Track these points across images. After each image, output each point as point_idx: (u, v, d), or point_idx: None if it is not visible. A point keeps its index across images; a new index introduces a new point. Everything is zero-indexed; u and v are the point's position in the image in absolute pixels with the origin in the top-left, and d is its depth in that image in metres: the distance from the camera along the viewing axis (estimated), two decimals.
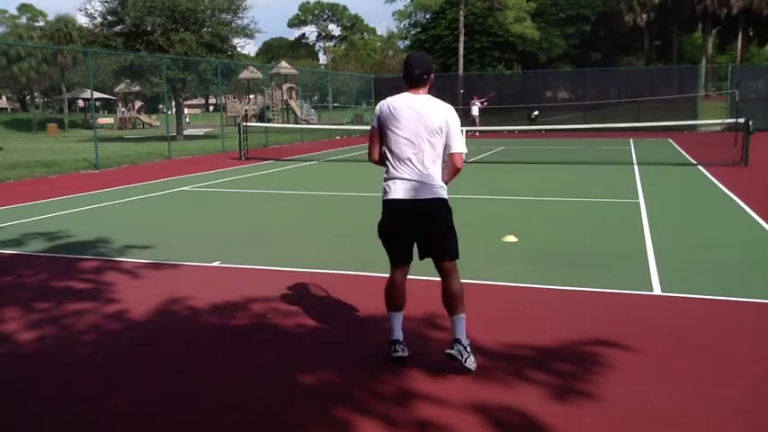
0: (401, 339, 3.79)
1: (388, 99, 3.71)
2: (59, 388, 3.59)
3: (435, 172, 3.60)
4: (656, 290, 5.18)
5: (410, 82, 3.68)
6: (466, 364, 3.53)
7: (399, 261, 3.74)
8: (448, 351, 3.59)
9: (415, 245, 3.70)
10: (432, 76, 3.71)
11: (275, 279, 5.70)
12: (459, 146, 3.62)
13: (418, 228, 3.62)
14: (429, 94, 3.71)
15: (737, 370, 3.64)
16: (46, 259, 6.65)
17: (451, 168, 3.67)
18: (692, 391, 3.38)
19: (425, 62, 3.72)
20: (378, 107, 3.74)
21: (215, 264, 6.26)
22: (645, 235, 7.22)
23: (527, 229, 7.65)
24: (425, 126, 3.55)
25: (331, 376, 3.65)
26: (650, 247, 6.63)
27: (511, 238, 7.03)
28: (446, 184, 3.67)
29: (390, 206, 3.63)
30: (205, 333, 4.42)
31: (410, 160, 3.57)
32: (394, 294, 3.79)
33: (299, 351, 4.06)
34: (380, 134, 3.69)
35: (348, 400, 3.35)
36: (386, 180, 3.66)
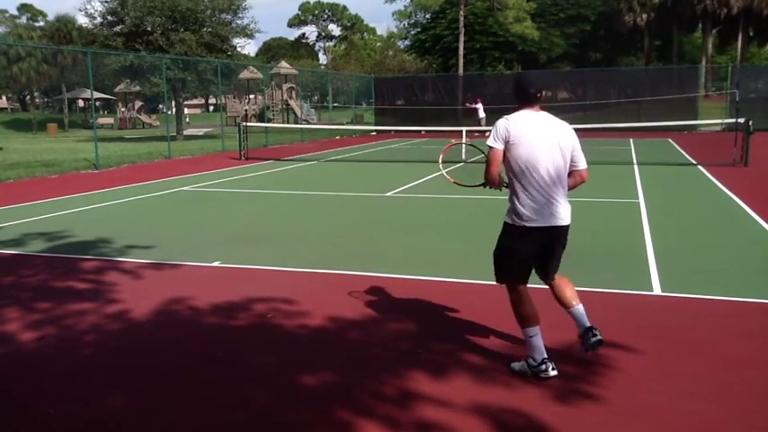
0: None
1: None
2: (59, 388, 3.60)
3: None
4: (656, 290, 5.18)
5: (527, 100, 3.61)
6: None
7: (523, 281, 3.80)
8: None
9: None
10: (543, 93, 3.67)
11: (275, 279, 5.70)
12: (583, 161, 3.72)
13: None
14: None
15: (737, 370, 3.64)
16: (46, 259, 6.65)
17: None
18: (692, 392, 3.38)
19: (536, 80, 3.67)
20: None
21: (215, 264, 6.26)
22: (645, 235, 7.22)
23: None
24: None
25: (332, 377, 3.65)
26: (650, 247, 6.63)
27: None
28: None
29: None
30: (205, 333, 4.42)
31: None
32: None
33: (299, 351, 4.06)
34: (506, 156, 3.60)
35: (349, 400, 3.35)
36: None
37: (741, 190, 10.38)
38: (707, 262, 6.11)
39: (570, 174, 3.66)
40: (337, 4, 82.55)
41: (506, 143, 3.54)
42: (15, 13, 61.52)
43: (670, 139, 22.58)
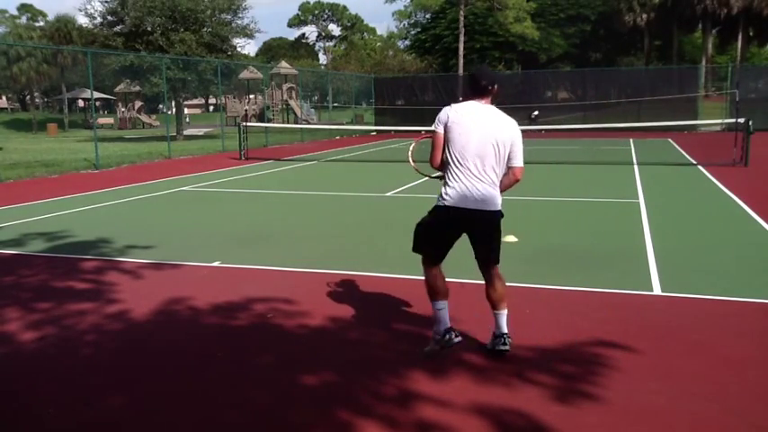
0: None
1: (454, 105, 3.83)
2: (59, 388, 3.60)
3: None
4: (656, 290, 5.18)
5: (477, 92, 3.78)
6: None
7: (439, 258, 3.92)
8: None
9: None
10: (495, 87, 3.80)
11: (275, 279, 5.70)
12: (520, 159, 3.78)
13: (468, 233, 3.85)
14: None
15: (737, 370, 3.64)
16: (46, 259, 6.65)
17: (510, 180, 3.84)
18: (692, 391, 3.38)
19: (490, 74, 3.85)
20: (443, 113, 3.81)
21: (215, 264, 6.26)
22: (645, 235, 7.22)
23: (527, 229, 7.65)
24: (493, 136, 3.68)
25: (332, 377, 3.65)
26: (650, 247, 6.63)
27: (511, 238, 7.02)
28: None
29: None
30: (205, 333, 4.42)
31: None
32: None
33: (299, 351, 4.06)
34: (445, 140, 3.76)
35: (349, 400, 3.35)
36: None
37: (741, 190, 10.38)
38: (707, 262, 6.11)
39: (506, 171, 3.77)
40: (337, 4, 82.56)
41: (445, 128, 3.72)
42: (15, 13, 61.58)
43: (670, 139, 22.58)
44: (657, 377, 3.56)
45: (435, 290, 3.86)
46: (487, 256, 3.85)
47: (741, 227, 7.78)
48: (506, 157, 3.72)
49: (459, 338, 3.81)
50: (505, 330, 3.84)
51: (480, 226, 3.76)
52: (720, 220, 8.36)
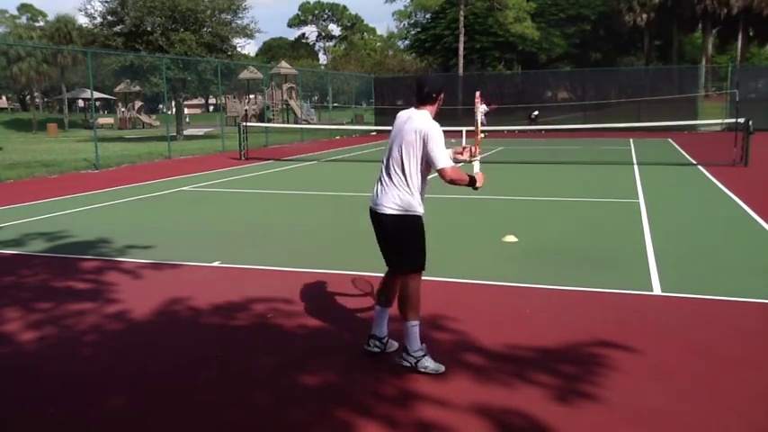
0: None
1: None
2: (59, 388, 3.60)
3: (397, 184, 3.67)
4: (656, 290, 5.18)
5: (418, 99, 3.75)
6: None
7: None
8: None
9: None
10: (440, 95, 3.75)
11: (275, 279, 5.70)
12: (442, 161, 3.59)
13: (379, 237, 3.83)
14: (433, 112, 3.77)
15: (737, 370, 3.64)
16: (46, 259, 6.65)
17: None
18: (692, 391, 3.39)
19: (433, 82, 3.79)
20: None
21: (215, 264, 6.26)
22: (645, 235, 7.22)
23: (527, 229, 7.65)
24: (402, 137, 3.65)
25: (332, 377, 3.65)
26: (650, 247, 6.63)
27: (511, 238, 7.03)
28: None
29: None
30: (205, 333, 4.42)
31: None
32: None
33: (299, 351, 4.06)
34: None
35: (349, 400, 3.35)
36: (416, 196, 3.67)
37: (741, 190, 10.38)
38: (707, 262, 6.11)
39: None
40: (337, 4, 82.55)
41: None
42: (15, 13, 61.56)
43: (670, 139, 22.58)
44: (657, 377, 3.56)
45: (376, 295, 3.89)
46: (391, 260, 3.83)
47: (741, 227, 7.78)
48: (418, 159, 3.60)
49: (377, 350, 3.86)
50: (386, 333, 3.88)
51: (382, 227, 3.79)
52: (720, 220, 8.36)
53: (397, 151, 3.63)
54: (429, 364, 3.63)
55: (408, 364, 3.64)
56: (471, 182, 3.73)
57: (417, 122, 3.61)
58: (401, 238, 3.68)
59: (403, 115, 3.75)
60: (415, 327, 3.67)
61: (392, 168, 3.66)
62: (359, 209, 9.71)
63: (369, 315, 4.67)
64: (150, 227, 8.40)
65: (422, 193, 3.69)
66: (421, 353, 3.65)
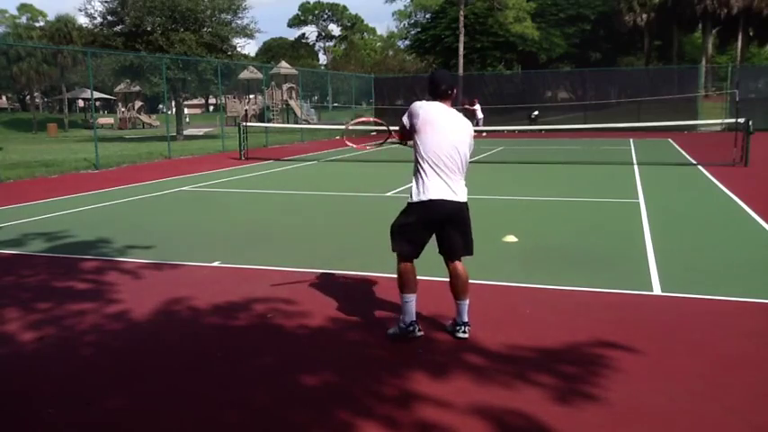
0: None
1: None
2: (59, 388, 3.59)
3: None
4: (656, 290, 5.18)
5: (438, 95, 4.05)
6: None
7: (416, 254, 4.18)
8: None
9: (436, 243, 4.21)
10: (454, 91, 4.09)
11: (275, 279, 5.69)
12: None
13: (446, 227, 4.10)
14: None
15: (737, 370, 3.64)
16: (46, 259, 6.65)
17: None
18: (692, 391, 3.38)
19: (449, 77, 4.19)
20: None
21: (215, 264, 6.26)
22: (645, 235, 7.22)
23: (527, 229, 7.65)
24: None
25: (332, 377, 3.65)
26: (650, 246, 6.63)
27: (511, 238, 7.02)
28: None
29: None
30: (205, 333, 4.42)
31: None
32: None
33: (299, 351, 4.06)
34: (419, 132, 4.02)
35: (349, 401, 3.34)
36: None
37: (741, 190, 10.38)
38: (707, 262, 6.11)
39: None
40: (337, 4, 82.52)
41: (417, 124, 3.97)
42: (15, 13, 61.54)
43: (670, 139, 22.58)
44: (657, 377, 3.56)
45: (407, 284, 4.10)
46: (461, 244, 4.14)
47: (741, 227, 7.78)
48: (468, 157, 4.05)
49: (422, 333, 4.15)
50: (466, 319, 4.16)
51: (452, 218, 4.05)
52: (720, 220, 8.36)
53: (463, 148, 3.98)
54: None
55: (466, 336, 4.11)
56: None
57: (469, 127, 4.09)
58: (469, 224, 4.15)
59: (440, 108, 4.01)
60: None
61: (457, 163, 3.98)
62: (359, 209, 9.76)
63: (368, 314, 4.68)
64: (150, 227, 8.40)
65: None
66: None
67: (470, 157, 4.10)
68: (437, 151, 3.93)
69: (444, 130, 3.95)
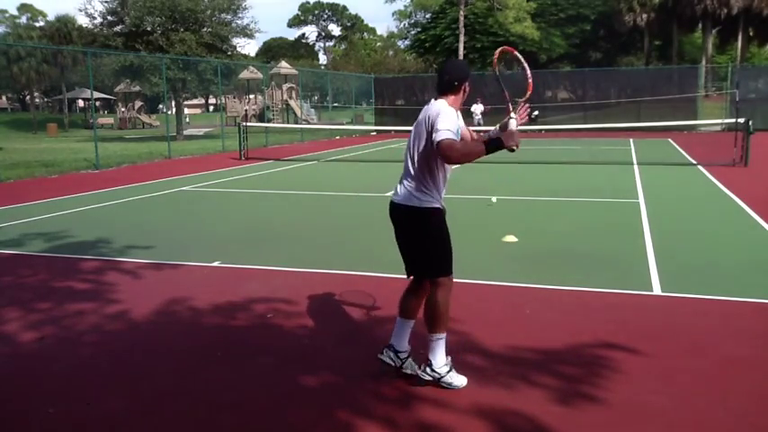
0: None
1: None
2: (59, 388, 3.59)
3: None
4: (656, 290, 5.17)
5: (440, 88, 3.39)
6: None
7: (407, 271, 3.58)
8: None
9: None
10: (464, 84, 3.37)
11: (275, 279, 5.70)
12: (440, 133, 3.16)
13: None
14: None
15: (737, 370, 3.64)
16: (46, 259, 6.65)
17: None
18: (693, 392, 3.38)
19: (456, 69, 3.43)
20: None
21: (215, 264, 6.26)
22: (645, 235, 7.22)
23: (527, 229, 7.65)
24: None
25: (332, 377, 3.65)
26: (650, 246, 6.63)
27: (511, 238, 7.02)
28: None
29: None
30: (205, 333, 4.42)
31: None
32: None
33: (299, 352, 4.05)
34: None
35: (349, 401, 3.34)
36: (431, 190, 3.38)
37: (741, 190, 10.38)
38: (707, 262, 6.11)
39: None
40: (337, 4, 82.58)
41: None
42: (15, 13, 61.52)
43: (670, 139, 22.57)
44: (658, 377, 3.55)
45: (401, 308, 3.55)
46: (411, 258, 3.55)
47: (741, 227, 7.78)
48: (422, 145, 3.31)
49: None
50: (407, 348, 3.56)
51: (401, 222, 3.51)
52: (720, 220, 8.35)
53: (410, 140, 3.38)
54: (453, 380, 3.39)
55: (430, 379, 3.38)
56: (492, 148, 3.21)
57: (430, 110, 3.26)
58: (422, 237, 3.41)
59: (425, 109, 3.38)
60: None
61: (406, 161, 3.42)
62: (359, 209, 9.75)
63: (368, 314, 4.68)
64: (150, 227, 8.40)
65: (437, 187, 3.38)
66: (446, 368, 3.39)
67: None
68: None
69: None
